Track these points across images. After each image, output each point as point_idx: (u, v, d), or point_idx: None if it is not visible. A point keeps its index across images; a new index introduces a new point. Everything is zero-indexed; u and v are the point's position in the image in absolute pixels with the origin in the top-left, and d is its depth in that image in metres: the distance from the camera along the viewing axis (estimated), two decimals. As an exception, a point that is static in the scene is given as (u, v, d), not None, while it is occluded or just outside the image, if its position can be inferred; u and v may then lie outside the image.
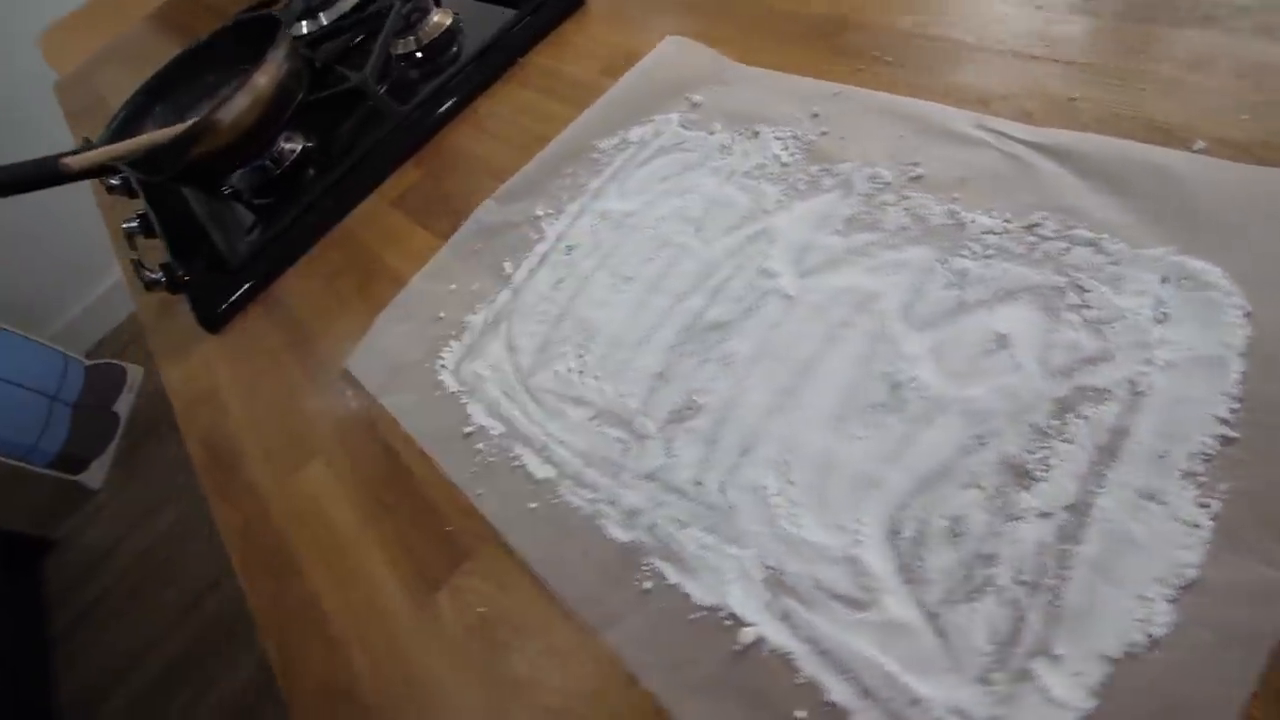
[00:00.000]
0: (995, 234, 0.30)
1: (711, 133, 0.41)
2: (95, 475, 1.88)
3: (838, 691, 0.22)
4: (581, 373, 0.34)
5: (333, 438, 0.38)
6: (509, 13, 0.59)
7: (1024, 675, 0.20)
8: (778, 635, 0.23)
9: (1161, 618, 0.20)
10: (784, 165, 0.37)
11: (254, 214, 0.56)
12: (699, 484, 0.28)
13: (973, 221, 0.31)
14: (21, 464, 1.74)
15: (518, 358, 0.36)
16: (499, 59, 0.55)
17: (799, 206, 0.35)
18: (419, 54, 0.61)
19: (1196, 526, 0.21)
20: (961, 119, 0.34)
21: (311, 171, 0.57)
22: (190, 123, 0.49)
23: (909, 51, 0.39)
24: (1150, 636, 0.20)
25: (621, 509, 0.28)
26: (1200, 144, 0.28)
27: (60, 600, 1.71)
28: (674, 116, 0.44)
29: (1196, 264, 0.26)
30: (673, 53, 0.47)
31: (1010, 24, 0.37)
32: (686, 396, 0.31)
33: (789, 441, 0.27)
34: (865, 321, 0.30)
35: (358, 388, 0.40)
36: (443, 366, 0.37)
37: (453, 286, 0.41)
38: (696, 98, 0.44)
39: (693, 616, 0.25)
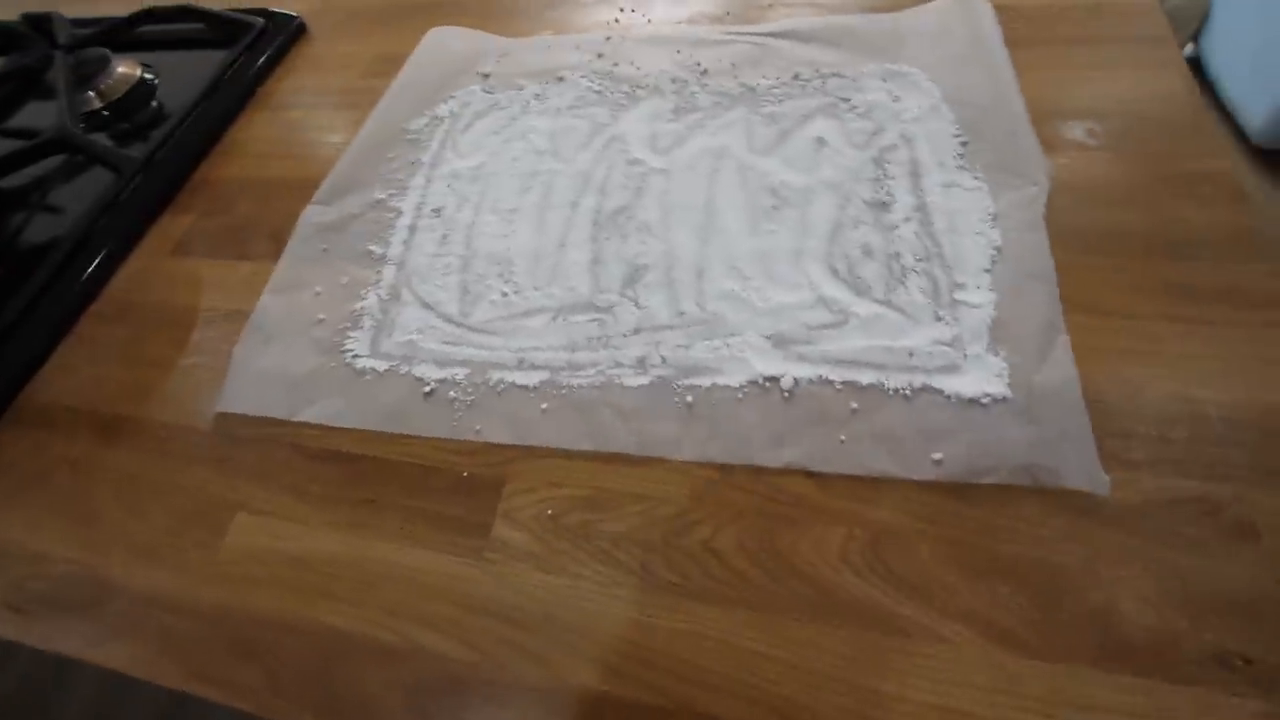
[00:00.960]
0: (778, 88, 0.40)
1: (520, 88, 0.45)
2: None
3: (866, 377, 0.28)
4: (518, 292, 0.34)
5: (245, 484, 0.32)
6: (211, 55, 0.54)
7: (957, 303, 0.29)
8: (802, 370, 0.29)
9: (996, 238, 0.31)
10: (598, 93, 0.43)
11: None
12: (681, 313, 0.32)
13: (758, 85, 0.41)
14: None
15: (443, 309, 0.35)
16: (235, 91, 0.51)
17: (630, 114, 0.41)
18: (106, 112, 0.52)
19: (979, 186, 0.33)
20: (709, 31, 0.45)
21: (8, 266, 0.44)
22: None
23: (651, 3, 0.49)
24: (997, 250, 0.30)
25: (628, 365, 0.30)
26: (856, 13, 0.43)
27: None
28: (474, 88, 0.46)
29: (894, 66, 0.39)
30: (444, 39, 0.50)
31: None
32: (628, 265, 0.34)
33: (728, 253, 0.33)
34: (727, 164, 0.37)
35: (249, 426, 0.33)
36: (356, 357, 0.34)
37: (317, 289, 0.37)
38: (486, 70, 0.47)
39: (739, 396, 0.28)
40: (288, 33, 0.55)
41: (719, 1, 0.48)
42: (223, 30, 0.55)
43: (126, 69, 0.53)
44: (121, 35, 0.55)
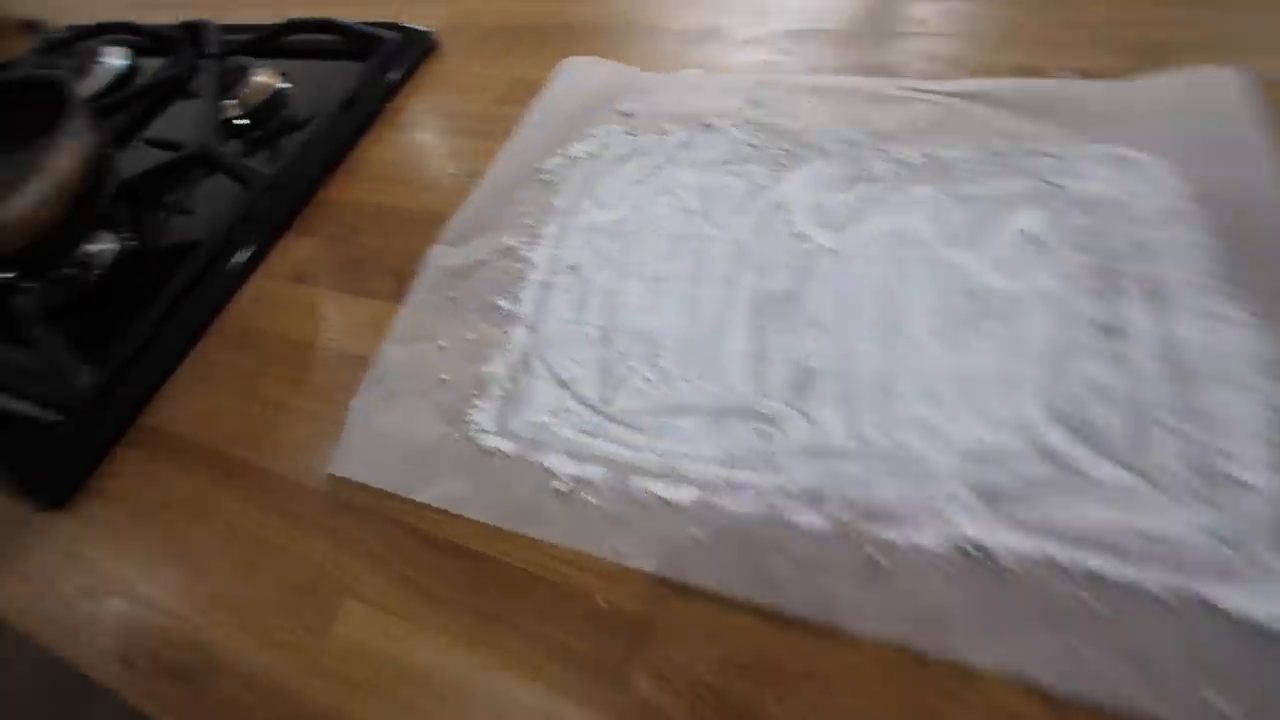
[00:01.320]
0: (971, 163, 0.35)
1: (664, 133, 0.41)
2: None
3: (1108, 564, 0.23)
4: (666, 381, 0.31)
5: (357, 564, 0.29)
6: (347, 66, 0.53)
7: (1226, 480, 0.23)
8: (1021, 541, 0.24)
9: (1276, 396, 0.25)
10: (753, 148, 0.39)
11: (65, 335, 0.41)
12: (862, 438, 0.27)
13: (947, 157, 0.35)
14: None
15: (579, 390, 0.31)
16: (366, 107, 0.49)
17: (793, 176, 0.37)
18: (245, 120, 0.51)
19: (1249, 322, 0.26)
20: (884, 85, 0.40)
21: (145, 275, 0.43)
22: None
23: (801, 41, 0.44)
24: (1277, 412, 0.24)
25: (798, 495, 0.26)
26: (1065, 71, 0.37)
27: None
28: (615, 128, 0.43)
29: (1121, 150, 0.33)
30: (578, 71, 0.47)
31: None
32: (796, 367, 0.30)
33: (918, 368, 0.28)
34: (913, 253, 0.32)
35: (364, 495, 0.31)
36: (482, 432, 0.31)
37: (441, 343, 0.35)
38: (626, 108, 0.44)
39: (940, 565, 0.24)
40: (420, 49, 0.53)
41: (882, 46, 0.43)
42: (357, 43, 0.53)
43: (265, 78, 0.52)
44: (264, 45, 0.55)
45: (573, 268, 0.36)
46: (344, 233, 0.43)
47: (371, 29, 0.52)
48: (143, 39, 0.63)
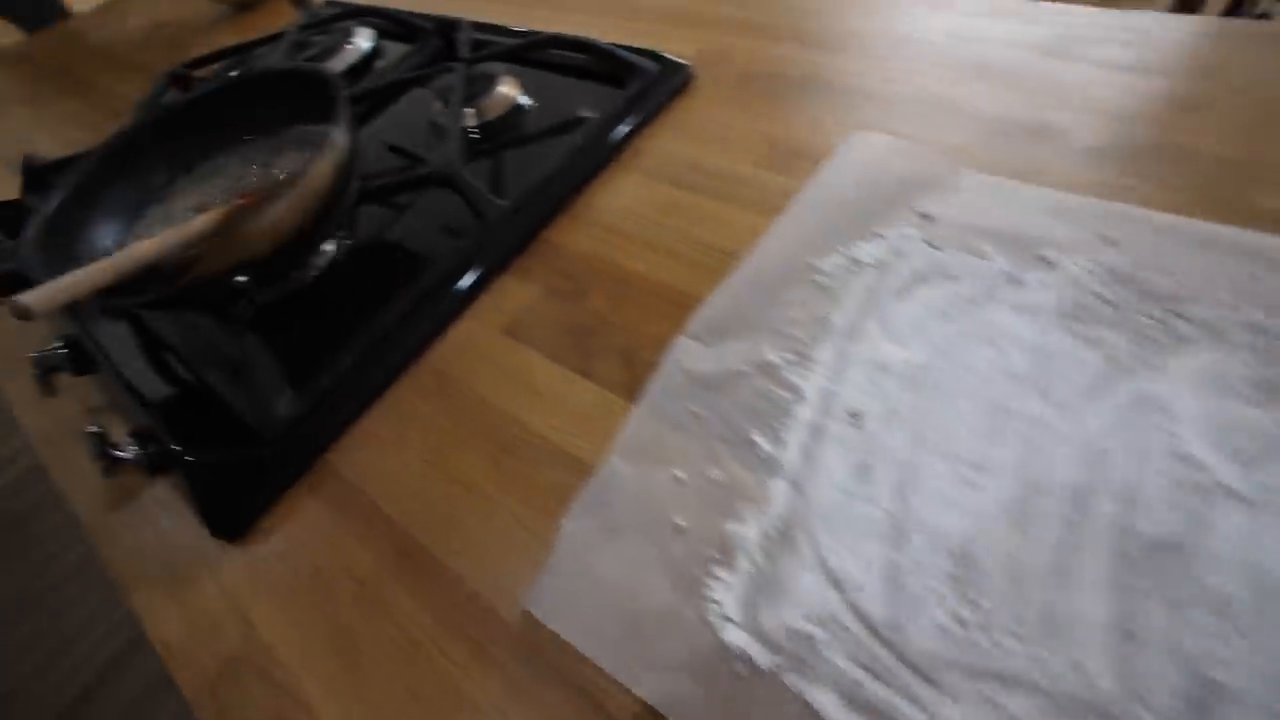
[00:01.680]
0: None
1: (982, 257, 0.33)
2: None
3: None
4: (984, 627, 0.23)
5: (546, 746, 0.24)
6: (588, 89, 0.49)
7: None
8: None
9: None
10: (1110, 305, 0.30)
11: (270, 345, 0.40)
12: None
13: None
14: None
15: (858, 599, 0.24)
16: (608, 143, 0.45)
17: (1174, 365, 0.28)
18: (476, 132, 0.49)
19: None
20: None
21: (356, 283, 0.41)
22: (206, 220, 0.33)
23: (1195, 169, 0.34)
24: None
25: None
26: None
27: None
28: (911, 232, 0.35)
29: None
30: (869, 150, 0.40)
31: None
32: (1189, 672, 0.21)
33: None
34: (1390, 539, 0.22)
35: (564, 654, 0.25)
36: (724, 619, 0.25)
37: (679, 473, 0.29)
38: (927, 209, 0.36)
39: None
40: (675, 85, 0.48)
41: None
42: (610, 67, 0.49)
43: (508, 89, 0.49)
44: (515, 55, 0.52)
45: (853, 415, 0.29)
46: (569, 288, 0.39)
47: (629, 54, 0.48)
48: (393, 25, 0.63)
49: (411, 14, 0.61)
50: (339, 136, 0.34)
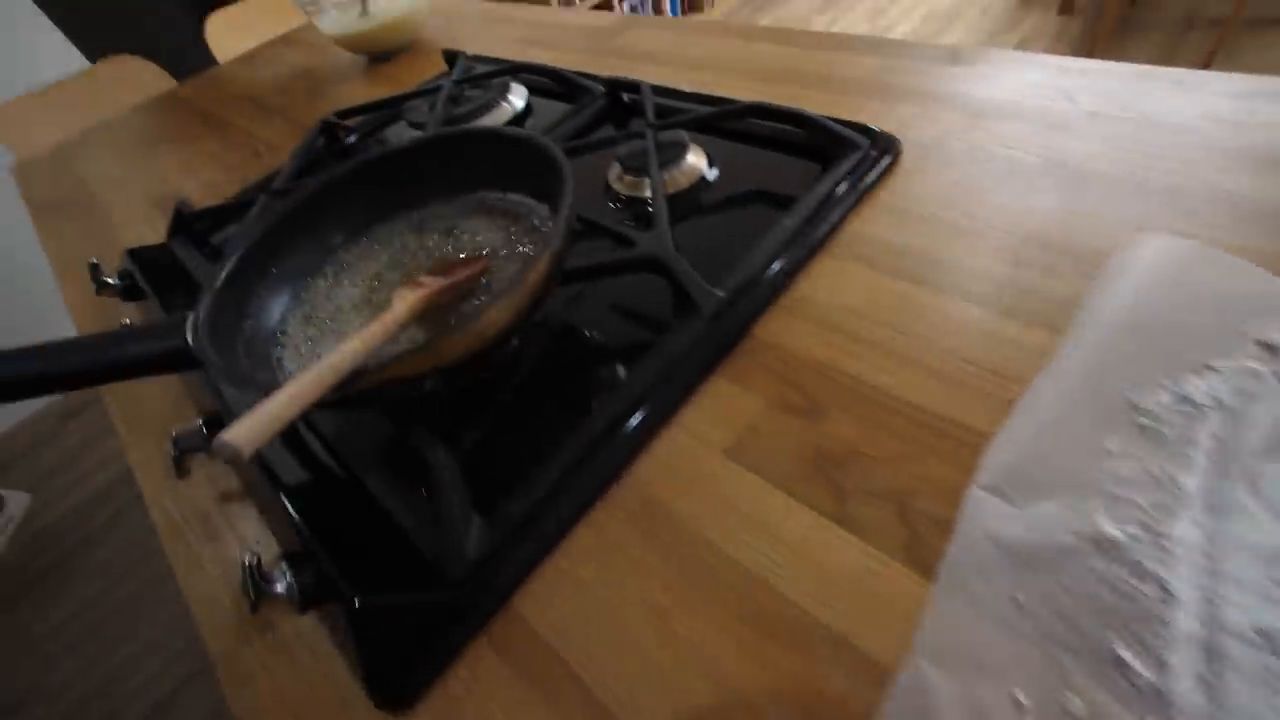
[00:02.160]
0: None
1: (1380, 413, 0.26)
2: (-57, 647, 1.39)
3: None
4: None
5: None
6: (782, 162, 0.44)
7: None
8: None
9: None
10: None
11: (442, 453, 0.35)
12: None
13: None
14: None
15: None
16: (818, 226, 0.39)
17: None
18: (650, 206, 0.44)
19: None
20: None
21: (543, 378, 0.36)
22: (406, 309, 0.29)
23: None
24: None
25: None
26: None
27: None
28: (1257, 367, 0.28)
29: None
30: (1174, 259, 0.32)
31: None
32: None
33: None
34: None
35: None
36: None
37: (1020, 696, 0.22)
38: (1269, 337, 0.29)
39: None
40: (886, 161, 0.42)
41: None
42: (816, 140, 0.44)
43: (696, 160, 0.45)
44: (706, 124, 0.47)
45: (1263, 635, 0.22)
46: (800, 403, 0.33)
47: (841, 128, 0.43)
48: (553, 83, 0.61)
49: (578, 73, 0.58)
50: (563, 224, 0.29)
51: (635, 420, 0.32)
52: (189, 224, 0.55)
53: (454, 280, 0.33)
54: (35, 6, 1.57)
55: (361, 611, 0.27)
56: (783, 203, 0.41)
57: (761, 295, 0.36)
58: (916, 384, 0.32)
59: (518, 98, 0.60)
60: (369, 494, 0.32)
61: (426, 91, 0.62)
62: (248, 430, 0.20)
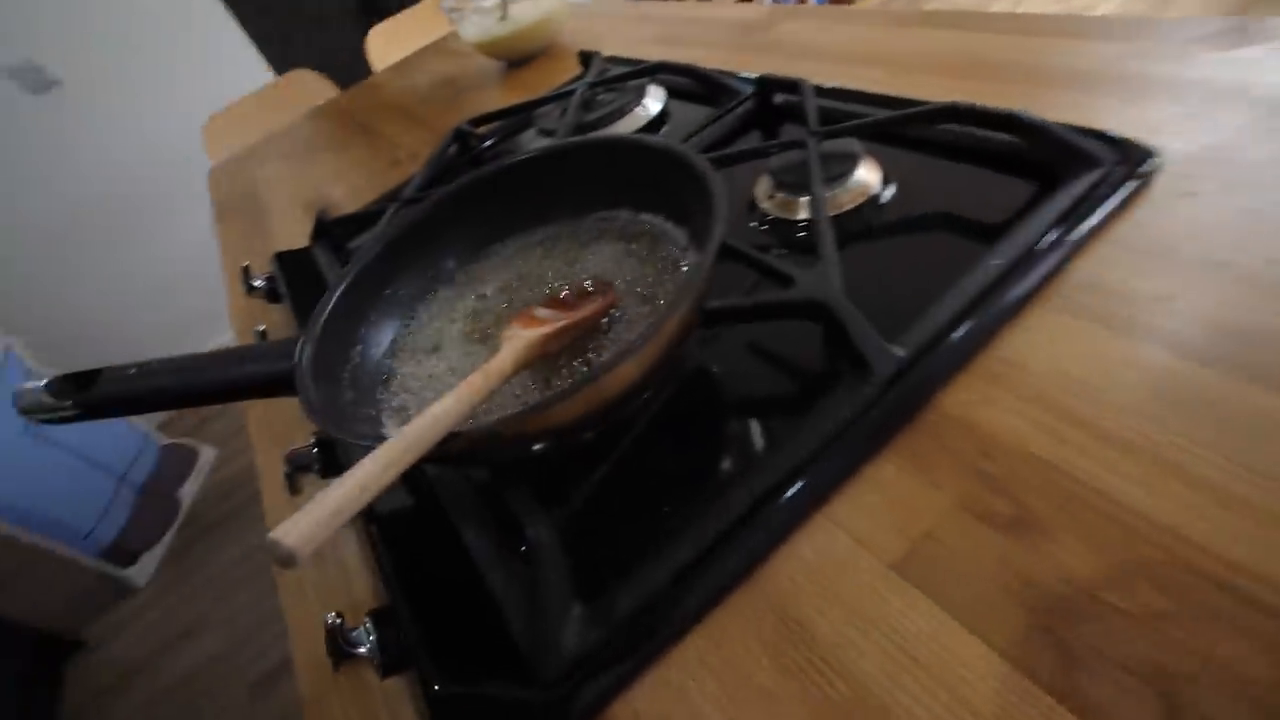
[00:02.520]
0: None
1: None
2: (142, 570, 1.65)
3: None
4: None
5: None
6: (968, 174, 0.35)
7: None
8: None
9: None
10: None
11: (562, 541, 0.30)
12: None
13: None
14: (68, 551, 1.52)
15: None
16: (1039, 268, 0.30)
17: None
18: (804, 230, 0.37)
19: None
20: None
21: (661, 439, 0.31)
22: (510, 360, 0.25)
23: None
24: None
25: None
26: None
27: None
28: None
29: None
30: None
31: None
32: None
33: None
34: None
35: None
36: None
37: None
38: None
39: None
40: (1136, 181, 0.32)
41: None
42: (1036, 151, 0.34)
43: (867, 174, 0.37)
44: (883, 130, 0.39)
45: None
46: (1004, 511, 0.24)
47: (1072, 135, 0.33)
48: (694, 84, 0.55)
49: (722, 73, 0.52)
50: (709, 259, 0.23)
51: (779, 503, 0.26)
52: (329, 229, 0.57)
53: (573, 320, 0.28)
54: (237, 29, 1.80)
55: (441, 699, 0.24)
56: (984, 233, 0.32)
57: (953, 355, 0.28)
58: (1187, 506, 0.22)
59: (654, 101, 0.55)
60: (464, 547, 0.29)
61: (559, 96, 0.59)
62: (305, 529, 0.17)
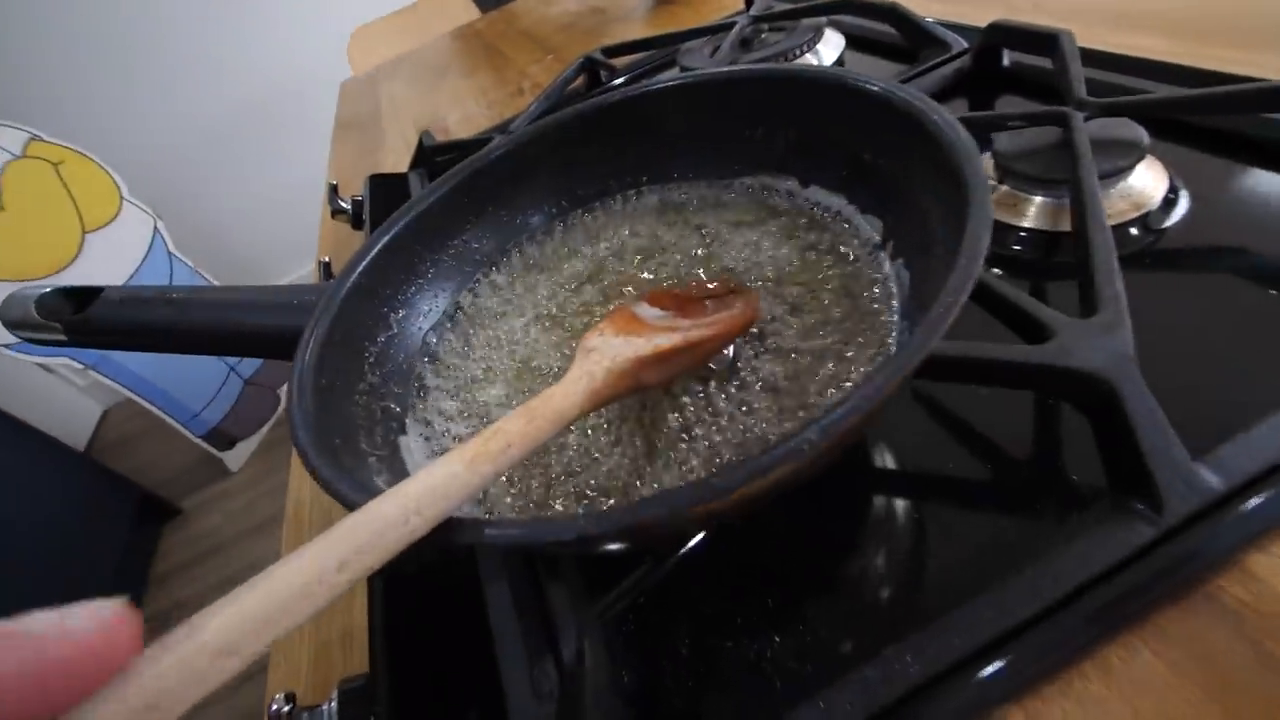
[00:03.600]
0: None
1: None
2: (238, 456, 1.78)
3: None
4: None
5: None
6: None
7: None
8: None
9: None
10: None
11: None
12: None
13: None
14: (179, 427, 1.66)
15: None
16: None
17: None
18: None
19: None
20: None
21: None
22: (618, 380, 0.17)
23: None
24: None
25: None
26: None
27: (162, 583, 1.58)
28: None
29: None
30: None
31: None
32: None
33: None
34: None
35: None
36: None
37: None
38: None
39: None
40: None
41: None
42: None
43: (1148, 175, 0.25)
44: (1183, 111, 0.27)
45: None
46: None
47: None
48: (892, 32, 0.43)
49: (928, 20, 0.39)
50: (957, 297, 0.13)
51: (947, 690, 0.16)
52: (431, 156, 0.51)
53: (696, 337, 0.19)
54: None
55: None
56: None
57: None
58: None
59: (830, 48, 0.44)
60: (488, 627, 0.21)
61: (713, 29, 0.49)
62: (229, 629, 0.10)
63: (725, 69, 0.25)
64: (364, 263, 0.22)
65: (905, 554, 0.19)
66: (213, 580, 1.54)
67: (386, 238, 0.24)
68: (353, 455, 0.17)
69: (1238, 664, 0.16)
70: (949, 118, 0.18)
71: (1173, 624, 0.17)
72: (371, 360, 0.22)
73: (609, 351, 0.18)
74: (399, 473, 0.18)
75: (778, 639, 0.18)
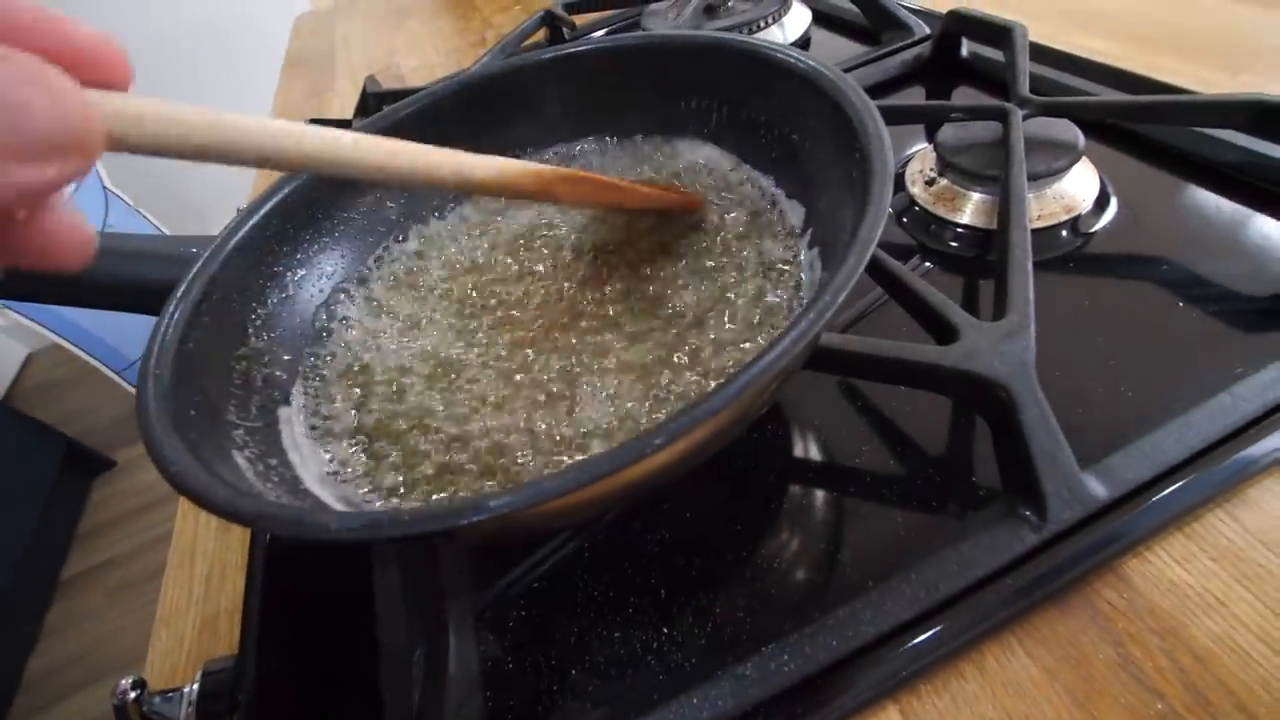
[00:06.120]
0: None
1: None
2: (178, 408, 1.70)
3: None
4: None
5: None
6: (1247, 220, 0.22)
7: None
8: None
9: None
10: None
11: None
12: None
13: None
14: (113, 375, 1.58)
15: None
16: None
17: None
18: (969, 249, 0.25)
19: None
20: None
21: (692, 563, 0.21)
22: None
23: None
24: None
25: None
26: None
27: (89, 539, 1.52)
28: None
29: None
30: None
31: None
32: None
33: None
34: None
35: None
36: None
37: None
38: None
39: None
40: None
41: None
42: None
43: (1081, 179, 0.25)
44: (1128, 117, 0.27)
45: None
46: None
47: None
48: (856, 9, 0.41)
49: (894, 3, 0.38)
50: (850, 270, 0.13)
51: (831, 686, 0.16)
52: (375, 105, 0.48)
53: (615, 181, 0.19)
54: None
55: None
56: (1258, 319, 0.20)
57: (1175, 510, 0.17)
58: None
59: (795, 22, 0.42)
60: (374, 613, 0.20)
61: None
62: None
63: (656, 35, 0.24)
64: (257, 216, 0.20)
65: (804, 549, 0.19)
66: (145, 538, 1.48)
67: (288, 188, 0.22)
68: (210, 426, 0.16)
69: (1102, 668, 0.16)
70: (867, 103, 0.17)
71: (1050, 627, 0.17)
72: (259, 323, 0.20)
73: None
74: (271, 446, 0.17)
75: (665, 630, 0.17)
